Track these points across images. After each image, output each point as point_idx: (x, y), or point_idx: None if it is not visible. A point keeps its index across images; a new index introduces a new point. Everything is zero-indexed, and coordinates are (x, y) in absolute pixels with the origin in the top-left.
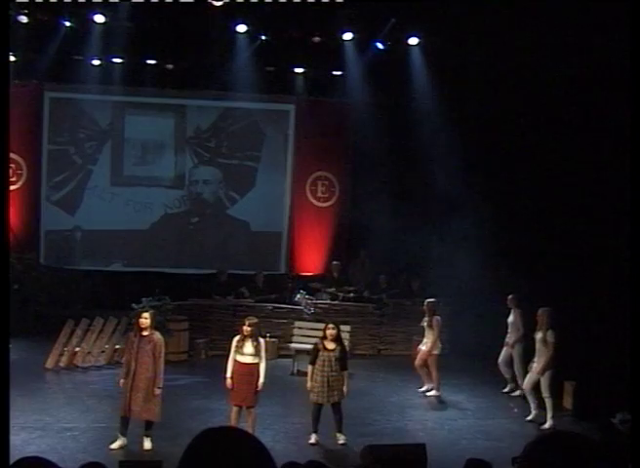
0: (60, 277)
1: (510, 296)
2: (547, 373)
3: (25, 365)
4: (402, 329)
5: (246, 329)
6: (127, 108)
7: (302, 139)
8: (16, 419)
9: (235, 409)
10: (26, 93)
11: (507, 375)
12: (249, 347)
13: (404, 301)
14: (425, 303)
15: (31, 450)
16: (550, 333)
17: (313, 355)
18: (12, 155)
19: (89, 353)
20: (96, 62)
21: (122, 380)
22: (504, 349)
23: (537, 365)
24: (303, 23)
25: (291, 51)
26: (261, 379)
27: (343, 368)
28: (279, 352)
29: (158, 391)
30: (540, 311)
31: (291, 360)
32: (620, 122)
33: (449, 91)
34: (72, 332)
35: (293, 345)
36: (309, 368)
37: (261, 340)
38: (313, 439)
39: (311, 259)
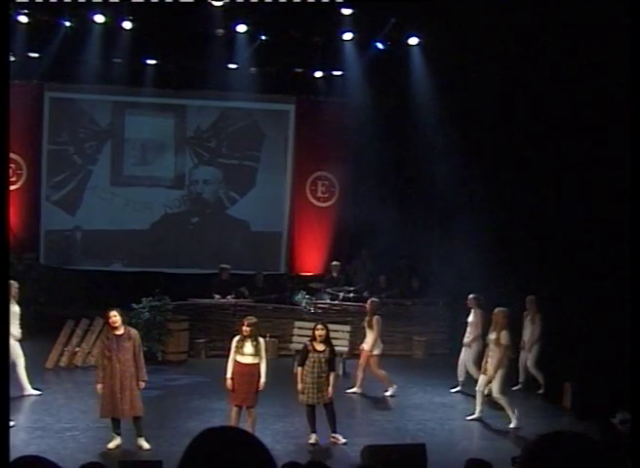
0: (60, 277)
1: (471, 296)
2: (499, 374)
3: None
4: (402, 329)
5: (245, 329)
6: (127, 108)
7: (302, 139)
8: (16, 419)
9: (235, 409)
10: (26, 93)
11: (462, 377)
12: (249, 347)
13: (404, 301)
14: (367, 303)
15: (31, 450)
16: (504, 334)
17: (302, 356)
18: (12, 155)
19: (89, 353)
20: (96, 62)
21: (100, 385)
22: (463, 349)
23: (489, 366)
24: (303, 23)
25: (291, 51)
26: (263, 379)
27: (331, 369)
28: (279, 352)
29: (143, 384)
30: (495, 311)
31: (291, 360)
32: (621, 120)
33: (449, 91)
34: (72, 332)
35: (293, 345)
36: (298, 369)
37: (261, 340)
38: (313, 439)
39: (311, 259)
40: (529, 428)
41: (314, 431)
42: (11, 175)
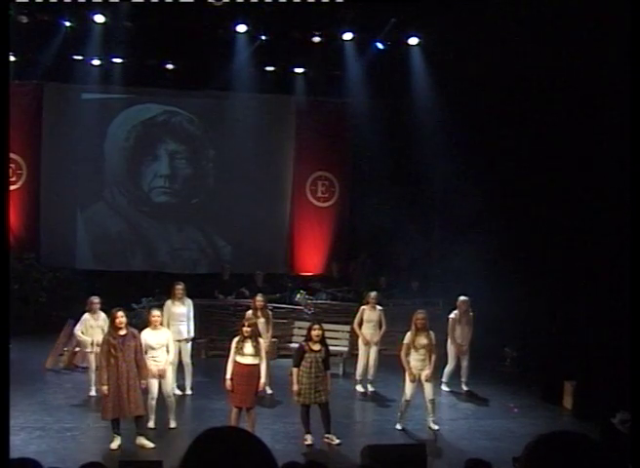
0: (59, 277)
1: (372, 294)
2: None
3: (25, 365)
4: (402, 329)
5: (245, 329)
6: (127, 108)
7: (302, 139)
8: (16, 419)
9: (235, 409)
10: (26, 93)
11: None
12: (249, 348)
13: (404, 301)
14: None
15: (31, 450)
16: (430, 335)
17: (298, 357)
18: (12, 155)
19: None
20: (96, 62)
21: (105, 387)
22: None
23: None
24: (303, 23)
25: (291, 51)
26: (263, 380)
27: (327, 367)
28: (279, 352)
29: (145, 383)
30: (417, 313)
31: (290, 360)
32: (622, 121)
33: (448, 91)
34: (72, 332)
35: (293, 345)
36: (294, 370)
37: (261, 340)
38: (309, 440)
39: (311, 259)
40: (529, 428)
41: (309, 432)
42: (11, 175)
